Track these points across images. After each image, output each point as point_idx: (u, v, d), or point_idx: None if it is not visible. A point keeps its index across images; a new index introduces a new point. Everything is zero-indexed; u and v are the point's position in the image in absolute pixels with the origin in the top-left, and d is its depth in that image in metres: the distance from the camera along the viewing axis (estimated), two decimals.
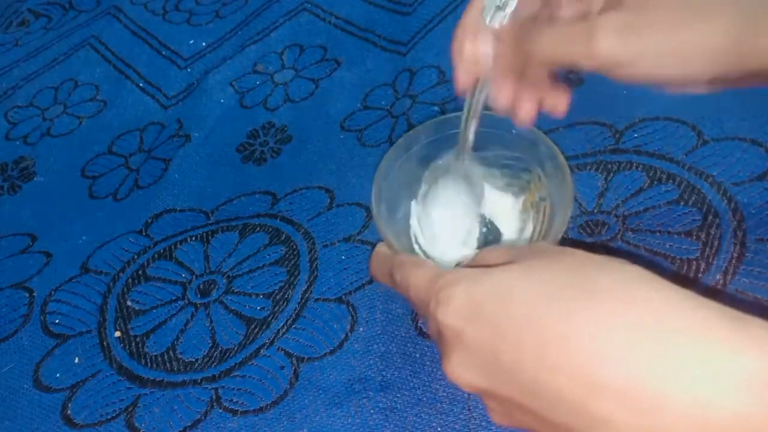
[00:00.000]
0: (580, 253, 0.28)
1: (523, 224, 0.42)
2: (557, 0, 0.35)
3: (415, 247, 0.42)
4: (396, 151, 0.41)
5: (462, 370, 0.27)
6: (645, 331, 0.23)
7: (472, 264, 0.32)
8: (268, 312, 0.48)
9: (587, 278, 0.25)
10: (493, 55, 0.34)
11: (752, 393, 0.21)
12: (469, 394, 0.39)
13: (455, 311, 0.27)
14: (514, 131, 0.40)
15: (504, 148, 0.42)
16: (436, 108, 0.58)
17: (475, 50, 0.35)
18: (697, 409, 0.22)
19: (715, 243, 0.42)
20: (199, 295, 0.50)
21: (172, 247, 0.55)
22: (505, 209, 0.42)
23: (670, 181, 0.46)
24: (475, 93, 0.37)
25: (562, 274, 0.26)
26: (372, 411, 0.40)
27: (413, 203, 0.43)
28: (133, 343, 0.49)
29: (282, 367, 0.44)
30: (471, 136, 0.39)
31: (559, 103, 0.37)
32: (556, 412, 0.24)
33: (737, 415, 0.21)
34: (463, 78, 0.36)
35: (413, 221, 0.42)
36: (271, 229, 0.53)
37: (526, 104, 0.36)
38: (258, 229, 0.54)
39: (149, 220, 0.58)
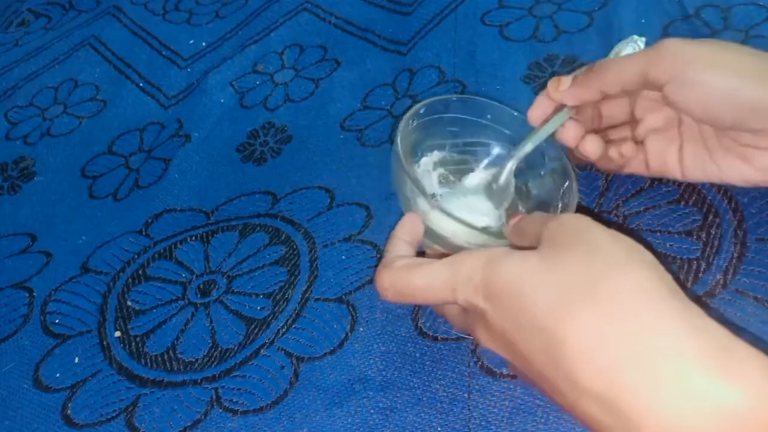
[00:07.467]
0: (601, 245, 0.29)
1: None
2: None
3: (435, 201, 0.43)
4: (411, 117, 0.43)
5: (486, 340, 0.32)
6: (635, 346, 0.25)
7: (511, 231, 0.36)
8: (268, 312, 0.48)
9: (596, 282, 0.27)
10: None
11: (727, 424, 0.23)
12: (468, 395, 0.39)
13: (475, 290, 0.31)
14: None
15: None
16: None
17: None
18: (672, 424, 0.23)
19: (716, 243, 0.42)
20: (199, 295, 0.50)
21: (172, 247, 0.55)
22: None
23: (671, 180, 0.46)
24: (545, 125, 0.42)
25: (573, 274, 0.28)
26: (372, 411, 0.40)
27: (424, 160, 0.46)
28: (133, 343, 0.49)
29: (282, 367, 0.44)
30: (522, 155, 0.43)
31: (626, 150, 0.43)
32: (559, 399, 0.29)
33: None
34: (539, 114, 0.42)
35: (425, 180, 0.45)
36: (271, 229, 0.53)
37: (590, 148, 0.42)
38: (258, 229, 0.54)
39: (149, 220, 0.58)
